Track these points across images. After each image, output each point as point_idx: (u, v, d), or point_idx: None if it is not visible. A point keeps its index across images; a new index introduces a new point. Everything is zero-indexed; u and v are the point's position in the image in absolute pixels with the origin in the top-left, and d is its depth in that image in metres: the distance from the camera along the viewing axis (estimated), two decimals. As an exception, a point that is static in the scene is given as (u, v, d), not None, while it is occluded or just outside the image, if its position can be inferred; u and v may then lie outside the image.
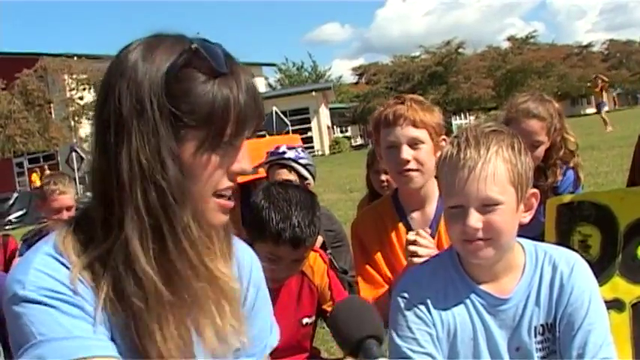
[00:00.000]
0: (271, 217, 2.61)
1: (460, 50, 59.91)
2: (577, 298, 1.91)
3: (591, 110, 63.09)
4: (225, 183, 1.47)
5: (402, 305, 1.94)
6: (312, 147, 44.76)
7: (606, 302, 2.43)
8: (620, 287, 2.48)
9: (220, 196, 1.47)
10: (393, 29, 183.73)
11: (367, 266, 2.72)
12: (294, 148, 4.84)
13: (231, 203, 1.50)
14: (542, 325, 1.91)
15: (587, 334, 1.87)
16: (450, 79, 56.70)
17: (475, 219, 1.81)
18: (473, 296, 1.93)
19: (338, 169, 21.62)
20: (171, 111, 1.37)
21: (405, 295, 1.95)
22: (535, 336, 1.91)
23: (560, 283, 1.93)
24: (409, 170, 2.63)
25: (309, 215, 2.68)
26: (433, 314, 1.92)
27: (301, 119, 45.19)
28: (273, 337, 1.80)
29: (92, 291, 1.39)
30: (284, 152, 4.63)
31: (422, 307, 1.93)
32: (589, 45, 71.70)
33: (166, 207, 1.38)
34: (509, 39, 66.04)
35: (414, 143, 2.61)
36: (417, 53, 61.66)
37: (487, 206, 1.81)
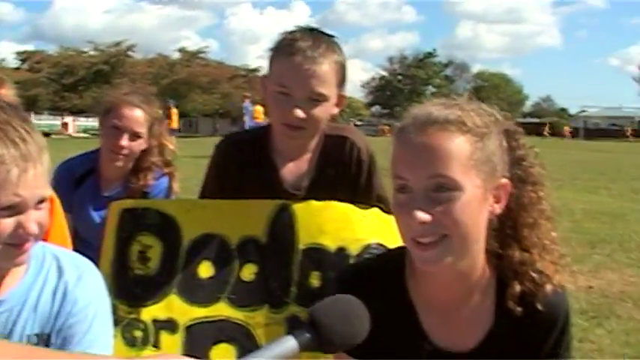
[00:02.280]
0: None
1: (130, 53, 59.29)
2: (80, 310, 1.72)
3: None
4: None
5: None
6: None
7: (159, 322, 2.27)
8: (176, 307, 2.29)
9: None
10: (68, 20, 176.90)
11: None
12: None
13: None
14: (36, 335, 1.70)
15: (86, 351, 1.68)
16: (114, 80, 55.68)
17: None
18: None
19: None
20: None
21: None
22: None
23: (64, 291, 1.73)
24: None
25: None
26: None
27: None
28: None
29: None
30: None
31: None
32: (256, 69, 75.11)
33: None
34: (180, 50, 66.84)
35: None
36: (87, 49, 59.85)
37: None
